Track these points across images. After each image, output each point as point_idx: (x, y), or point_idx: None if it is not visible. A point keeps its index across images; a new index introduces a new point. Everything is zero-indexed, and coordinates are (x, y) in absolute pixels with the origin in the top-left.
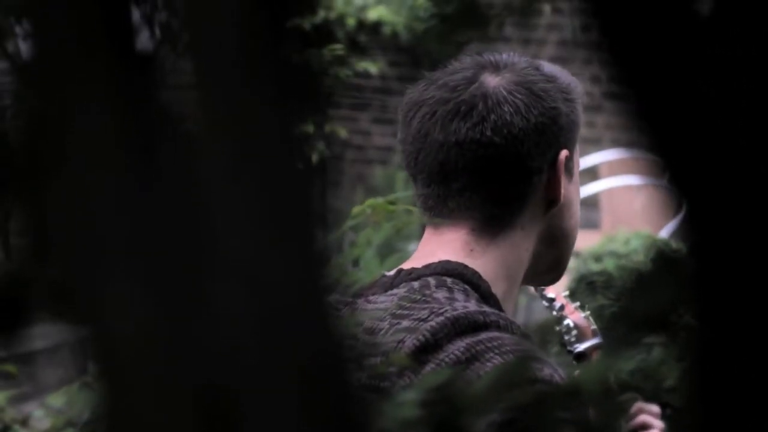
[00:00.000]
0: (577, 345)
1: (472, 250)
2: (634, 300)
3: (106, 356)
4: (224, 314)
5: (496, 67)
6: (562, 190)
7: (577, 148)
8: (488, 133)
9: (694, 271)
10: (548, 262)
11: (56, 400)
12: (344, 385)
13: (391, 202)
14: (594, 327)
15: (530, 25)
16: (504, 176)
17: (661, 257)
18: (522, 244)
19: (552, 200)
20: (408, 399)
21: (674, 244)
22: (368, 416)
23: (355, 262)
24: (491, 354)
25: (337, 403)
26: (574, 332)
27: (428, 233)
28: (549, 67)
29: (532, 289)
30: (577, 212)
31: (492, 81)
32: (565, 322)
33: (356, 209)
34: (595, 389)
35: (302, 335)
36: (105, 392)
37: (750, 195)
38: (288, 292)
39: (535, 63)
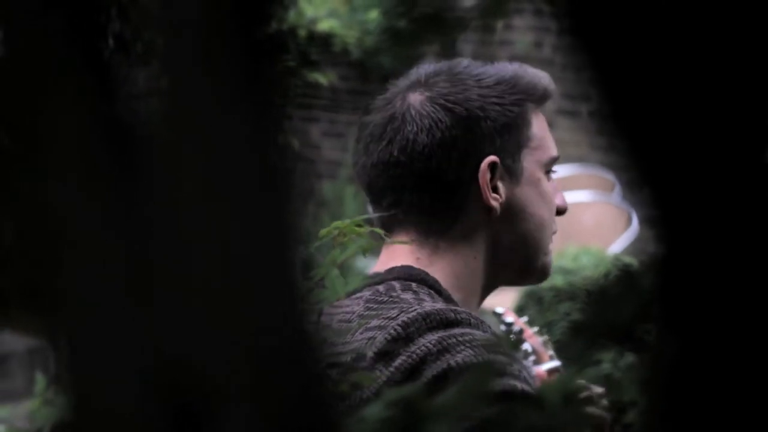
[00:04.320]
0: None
1: (418, 258)
2: (595, 313)
3: (72, 347)
4: (186, 299)
5: (419, 83)
6: (493, 198)
7: (538, 144)
8: (395, 153)
9: (661, 284)
10: (512, 268)
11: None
12: (308, 368)
13: (359, 225)
14: (551, 352)
15: (482, 41)
16: (422, 192)
17: (622, 271)
18: (467, 253)
19: (489, 209)
20: (374, 410)
21: (625, 260)
22: (330, 398)
23: (320, 282)
24: (463, 347)
25: (301, 383)
26: (532, 357)
27: (383, 247)
28: (494, 68)
29: (498, 311)
30: (536, 214)
31: (410, 99)
32: (524, 346)
33: (324, 231)
34: (559, 398)
35: (268, 318)
36: (71, 384)
37: (721, 206)
38: (256, 280)
39: (471, 69)
